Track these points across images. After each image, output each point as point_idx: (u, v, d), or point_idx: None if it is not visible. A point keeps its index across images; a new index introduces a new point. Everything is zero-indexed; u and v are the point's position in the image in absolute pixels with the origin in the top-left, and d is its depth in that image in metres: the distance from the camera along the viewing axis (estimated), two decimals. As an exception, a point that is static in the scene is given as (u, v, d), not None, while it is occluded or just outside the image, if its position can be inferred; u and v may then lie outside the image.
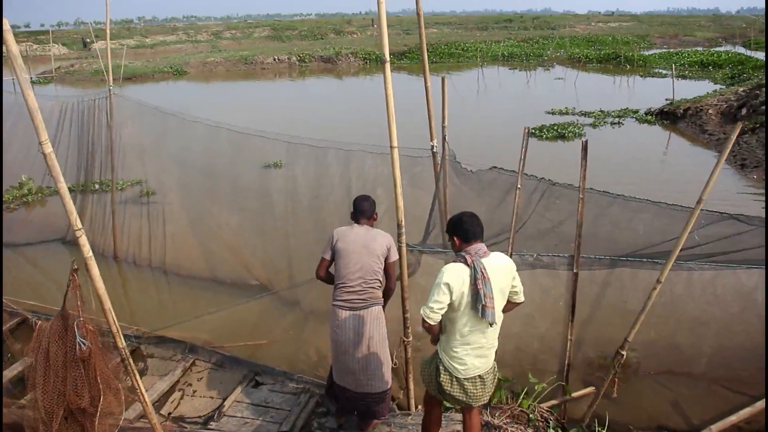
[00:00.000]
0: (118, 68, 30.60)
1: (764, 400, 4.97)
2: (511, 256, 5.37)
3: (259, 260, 8.64)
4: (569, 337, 5.47)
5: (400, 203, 4.89)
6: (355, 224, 5.15)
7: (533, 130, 18.22)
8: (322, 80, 39.67)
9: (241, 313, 7.76)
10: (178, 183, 10.11)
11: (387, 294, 5.14)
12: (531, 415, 5.34)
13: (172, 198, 10.24)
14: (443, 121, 6.50)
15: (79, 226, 3.77)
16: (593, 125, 20.09)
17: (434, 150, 6.40)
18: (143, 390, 4.19)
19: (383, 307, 5.14)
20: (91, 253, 3.82)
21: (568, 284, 5.43)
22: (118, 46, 48.70)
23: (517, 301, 4.15)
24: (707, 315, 5.31)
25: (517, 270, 5.44)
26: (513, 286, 4.04)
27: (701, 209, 4.67)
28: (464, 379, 4.06)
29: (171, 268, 9.35)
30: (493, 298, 3.83)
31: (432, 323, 3.87)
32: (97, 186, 10.68)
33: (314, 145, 7.45)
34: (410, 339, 5.23)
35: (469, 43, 53.35)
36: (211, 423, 5.57)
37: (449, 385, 4.11)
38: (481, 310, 3.80)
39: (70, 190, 10.54)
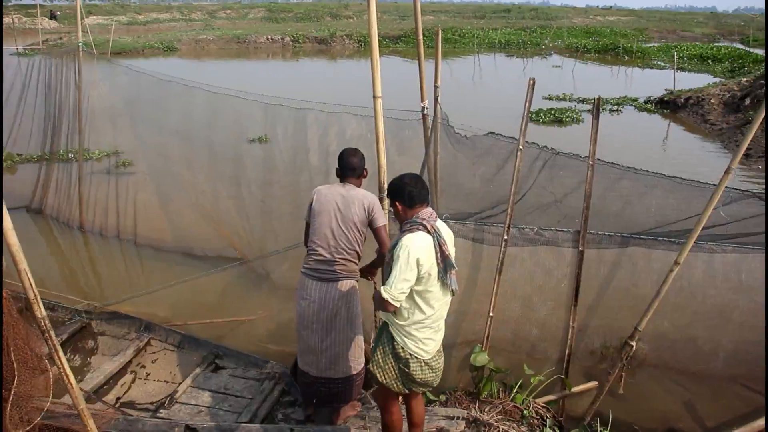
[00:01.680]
0: (106, 43, 29.84)
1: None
2: (508, 230, 4.72)
3: (237, 232, 7.95)
4: (572, 323, 4.82)
5: (383, 162, 4.24)
6: (337, 183, 4.42)
7: (530, 114, 17.54)
8: (315, 62, 38.75)
9: (207, 288, 7.11)
10: (152, 151, 9.40)
11: (379, 262, 4.42)
12: (525, 412, 4.70)
13: (146, 167, 9.56)
14: (436, 81, 5.80)
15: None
16: (591, 111, 19.34)
17: (425, 112, 5.71)
18: (68, 370, 3.49)
19: (372, 274, 4.52)
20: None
21: (573, 264, 4.77)
22: (110, 21, 47.62)
23: None
24: (730, 304, 4.63)
25: (516, 246, 4.83)
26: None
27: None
28: (431, 359, 3.61)
29: (142, 240, 8.69)
30: None
31: (398, 306, 3.38)
32: (71, 155, 9.84)
33: (294, 107, 6.73)
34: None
35: (465, 29, 52.45)
36: (161, 410, 4.90)
37: (420, 371, 3.60)
38: (449, 278, 3.47)
39: (39, 159, 9.99)
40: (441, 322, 3.66)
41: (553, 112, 18.54)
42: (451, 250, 3.50)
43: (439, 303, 3.54)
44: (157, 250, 8.48)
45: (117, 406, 5.15)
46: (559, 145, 5.23)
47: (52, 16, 57.13)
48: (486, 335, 4.92)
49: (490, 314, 4.88)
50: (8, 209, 9.86)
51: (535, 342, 5.13)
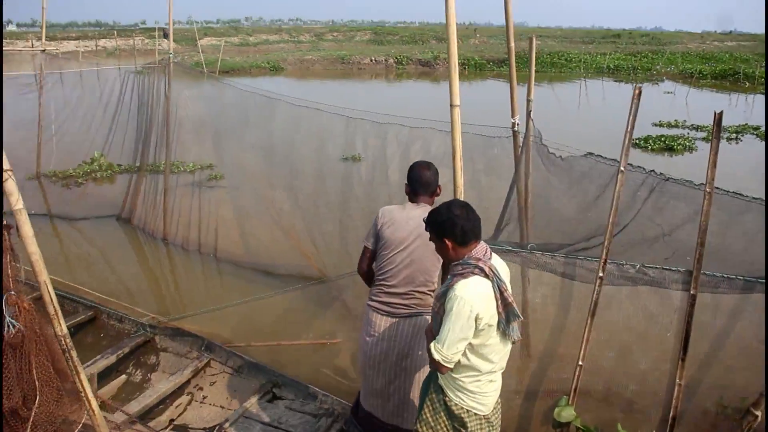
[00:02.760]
0: (216, 62, 31.21)
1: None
2: (604, 266, 4.04)
3: (318, 254, 7.61)
4: (678, 380, 4.06)
5: (460, 181, 3.71)
6: (409, 203, 3.90)
7: (637, 141, 16.48)
8: (418, 83, 38.65)
9: (275, 308, 6.87)
10: (240, 166, 9.36)
11: None
12: (618, 480, 3.99)
13: (234, 182, 9.53)
14: (528, 94, 5.22)
15: (7, 167, 2.76)
16: (706, 139, 18.05)
17: (516, 128, 5.14)
18: (88, 390, 3.15)
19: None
20: (21, 204, 2.79)
21: (682, 309, 4.04)
22: (221, 42, 49.86)
23: None
24: None
25: (614, 285, 4.15)
26: None
27: None
28: (490, 413, 3.11)
29: (222, 254, 8.54)
30: None
31: (452, 367, 2.86)
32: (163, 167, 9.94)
33: (376, 121, 6.33)
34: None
35: (573, 53, 50.96)
36: (209, 440, 4.54)
37: (479, 428, 3.04)
38: (511, 328, 2.91)
39: (136, 169, 10.19)
40: (499, 373, 3.12)
41: (663, 138, 17.30)
42: (508, 288, 2.93)
43: (499, 356, 2.98)
44: (236, 266, 8.29)
45: (170, 428, 4.87)
46: (669, 174, 4.50)
47: (165, 36, 60.60)
48: (574, 387, 4.23)
49: (580, 362, 4.19)
50: (101, 216, 9.93)
51: (633, 398, 4.39)
